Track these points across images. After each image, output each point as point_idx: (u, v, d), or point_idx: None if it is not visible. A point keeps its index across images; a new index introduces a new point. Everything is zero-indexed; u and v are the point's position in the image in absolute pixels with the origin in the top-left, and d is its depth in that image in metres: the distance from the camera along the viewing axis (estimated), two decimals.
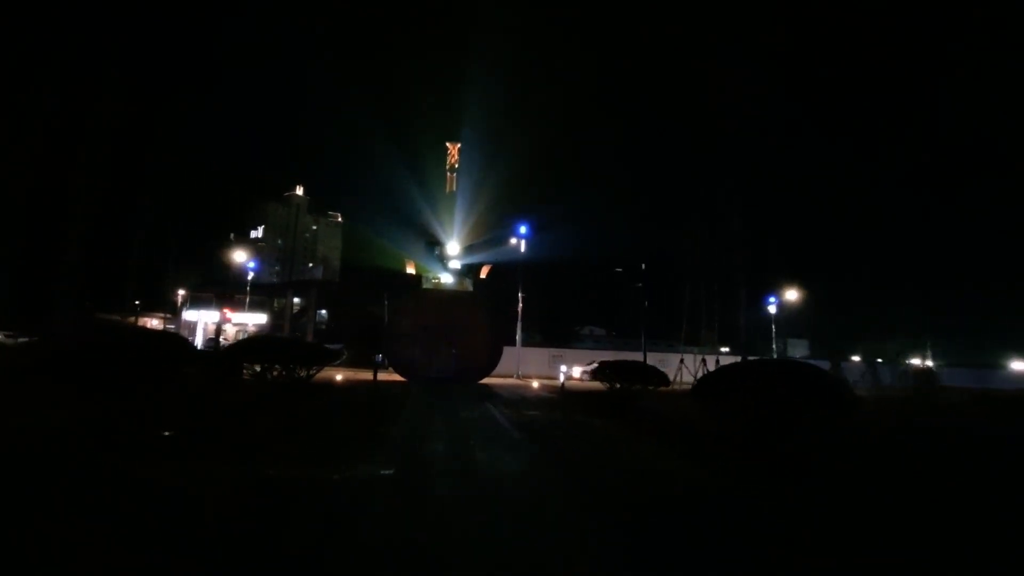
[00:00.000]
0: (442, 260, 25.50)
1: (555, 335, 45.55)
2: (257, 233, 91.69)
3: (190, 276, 54.98)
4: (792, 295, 41.70)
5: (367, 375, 22.22)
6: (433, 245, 25.62)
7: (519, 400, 15.52)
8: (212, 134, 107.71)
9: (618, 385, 14.89)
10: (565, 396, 17.95)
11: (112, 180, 45.40)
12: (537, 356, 33.87)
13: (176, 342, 15.50)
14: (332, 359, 16.68)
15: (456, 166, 26.18)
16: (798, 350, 52.11)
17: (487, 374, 23.13)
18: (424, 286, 24.53)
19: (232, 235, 79.83)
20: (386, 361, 23.43)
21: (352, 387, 17.90)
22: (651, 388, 14.63)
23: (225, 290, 50.19)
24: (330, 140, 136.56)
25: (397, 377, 22.23)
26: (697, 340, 45.87)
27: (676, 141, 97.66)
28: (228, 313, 49.01)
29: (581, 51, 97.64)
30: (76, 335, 11.48)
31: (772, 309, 39.23)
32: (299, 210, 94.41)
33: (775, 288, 40.11)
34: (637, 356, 25.55)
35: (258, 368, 14.16)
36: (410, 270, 24.04)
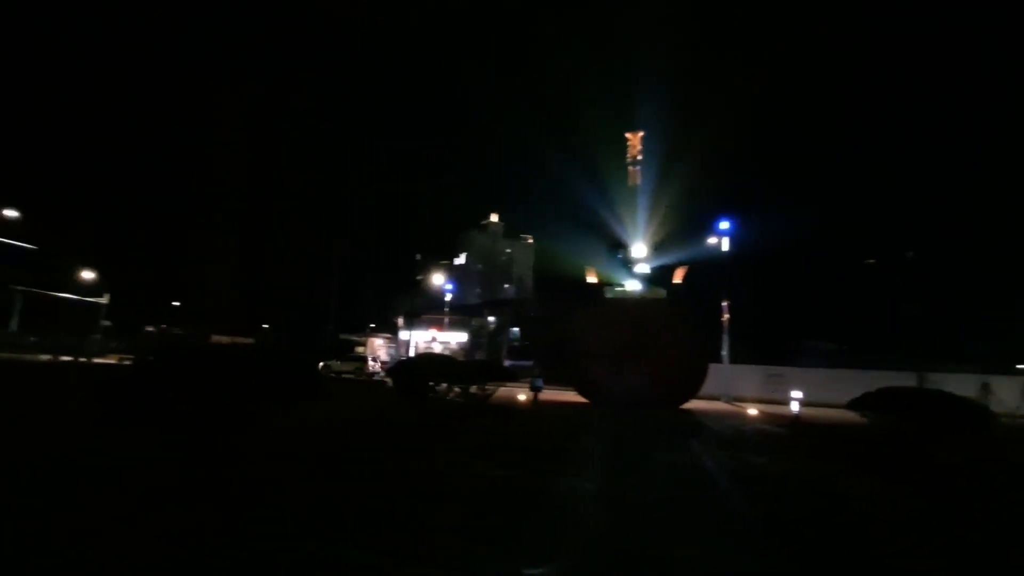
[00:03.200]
0: (627, 264, 22.61)
1: (770, 350, 38.28)
2: (460, 260, 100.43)
3: (408, 302, 62.64)
4: None
5: (557, 395, 20.55)
6: (616, 248, 23.05)
7: (735, 437, 11.84)
8: (433, 178, 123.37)
9: (902, 423, 9.78)
10: (801, 433, 13.45)
11: (359, 236, 55.32)
12: (749, 376, 28.16)
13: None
14: (508, 378, 15.31)
15: (639, 158, 23.26)
16: None
17: (689, 398, 19.36)
18: (607, 295, 21.76)
19: (441, 263, 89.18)
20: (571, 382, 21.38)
21: (527, 411, 16.20)
22: (959, 430, 9.46)
23: (430, 312, 54.88)
24: (517, 162, 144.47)
25: (581, 399, 19.95)
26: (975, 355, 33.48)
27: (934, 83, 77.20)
28: (435, 332, 53.64)
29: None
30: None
31: None
32: (495, 236, 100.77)
33: None
34: (885, 377, 18.71)
35: (443, 385, 13.47)
36: (591, 279, 21.72)
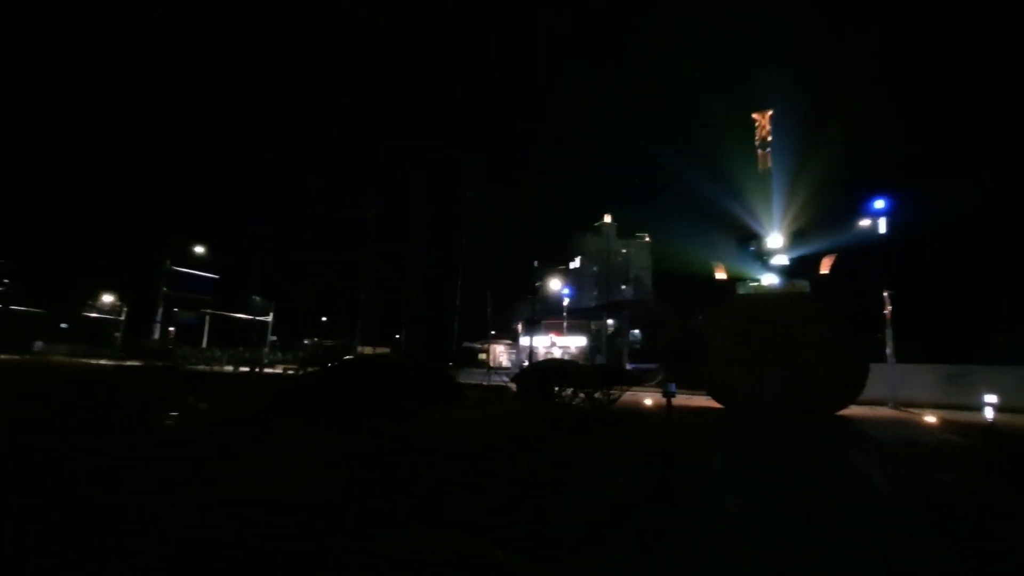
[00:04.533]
0: (761, 257, 20.61)
1: (946, 345, 32.43)
2: (575, 264, 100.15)
3: (526, 308, 63.97)
4: None
5: (688, 400, 19.40)
6: (747, 240, 21.08)
7: (909, 448, 10.17)
8: (546, 183, 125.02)
9: None
10: (998, 445, 11.17)
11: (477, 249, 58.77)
12: (921, 377, 24.06)
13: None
14: (632, 382, 14.79)
15: (769, 139, 21.09)
16: None
17: (845, 404, 17.12)
18: (739, 291, 20.06)
19: (558, 269, 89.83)
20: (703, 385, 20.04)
21: (656, 416, 15.47)
22: None
23: (550, 317, 55.36)
24: (629, 158, 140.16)
25: (716, 405, 18.60)
26: None
27: None
28: (554, 337, 53.99)
29: None
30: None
31: None
32: (609, 237, 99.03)
33: None
34: None
35: (567, 391, 13.49)
36: (720, 275, 20.15)
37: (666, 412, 11.53)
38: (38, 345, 50.35)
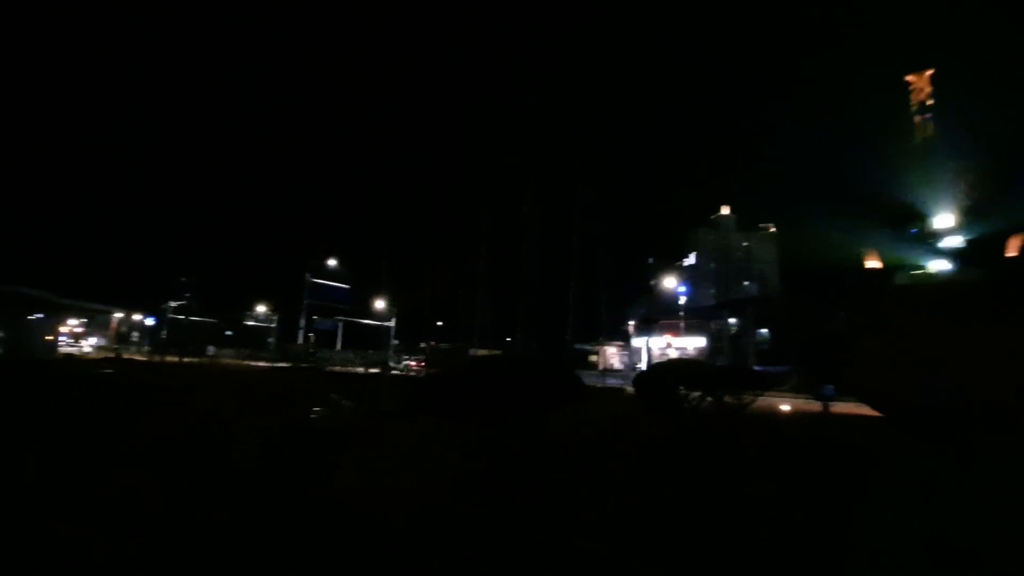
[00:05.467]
0: (924, 240, 17.63)
1: None
2: (690, 260, 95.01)
3: (640, 307, 62.15)
4: None
5: (817, 405, 17.36)
6: (905, 222, 18.08)
7: None
8: (659, 178, 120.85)
9: None
10: None
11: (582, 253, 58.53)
12: None
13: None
14: (765, 385, 13.53)
15: (929, 103, 17.97)
16: None
17: None
18: (898, 281, 17.39)
19: (671, 265, 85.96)
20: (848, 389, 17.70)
21: (796, 423, 13.96)
22: None
23: (663, 317, 53.07)
24: (749, 141, 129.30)
25: (865, 410, 16.29)
26: None
27: None
28: (670, 338, 51.58)
29: None
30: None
31: None
32: (728, 230, 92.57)
33: None
34: None
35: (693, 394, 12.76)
36: (872, 264, 17.62)
37: (821, 416, 10.34)
38: (211, 350, 59.10)
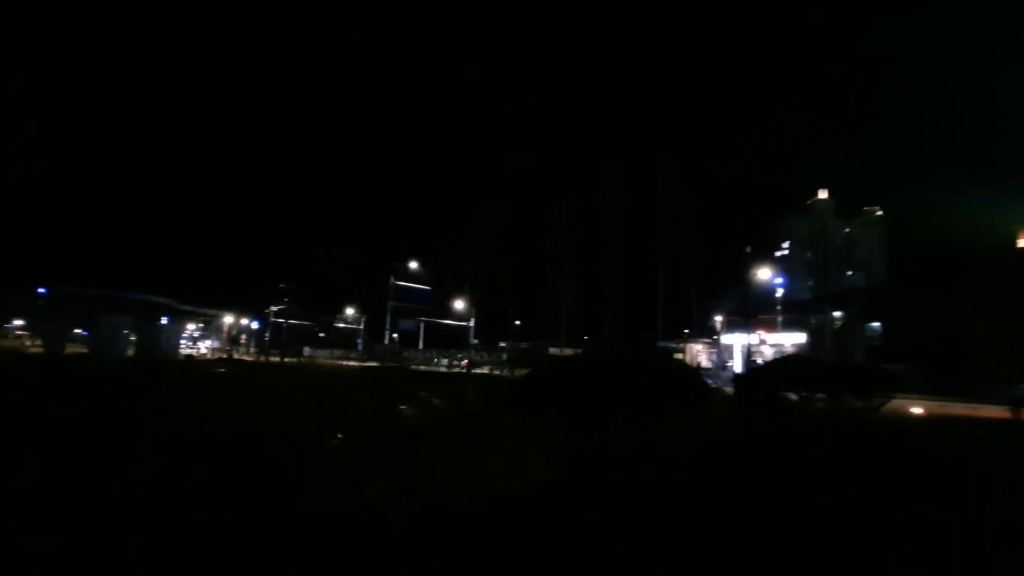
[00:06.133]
0: None
1: None
2: (783, 251, 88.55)
3: (727, 302, 58.58)
4: None
5: (958, 409, 15.09)
6: None
7: None
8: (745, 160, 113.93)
9: None
10: None
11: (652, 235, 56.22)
12: None
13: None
14: (896, 386, 11.88)
15: None
16: None
17: None
18: None
19: (760, 257, 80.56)
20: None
21: (971, 436, 12.08)
22: None
23: (756, 312, 49.65)
24: (851, 116, 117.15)
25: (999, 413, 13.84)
26: None
27: None
28: (763, 334, 48.06)
29: None
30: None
31: None
32: (826, 215, 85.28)
33: None
34: None
35: (795, 395, 11.52)
36: None
37: (1013, 424, 8.83)
38: (307, 350, 63.30)
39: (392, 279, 70.26)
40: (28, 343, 49.55)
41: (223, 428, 8.47)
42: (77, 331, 46.01)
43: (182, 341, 55.36)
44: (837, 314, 45.97)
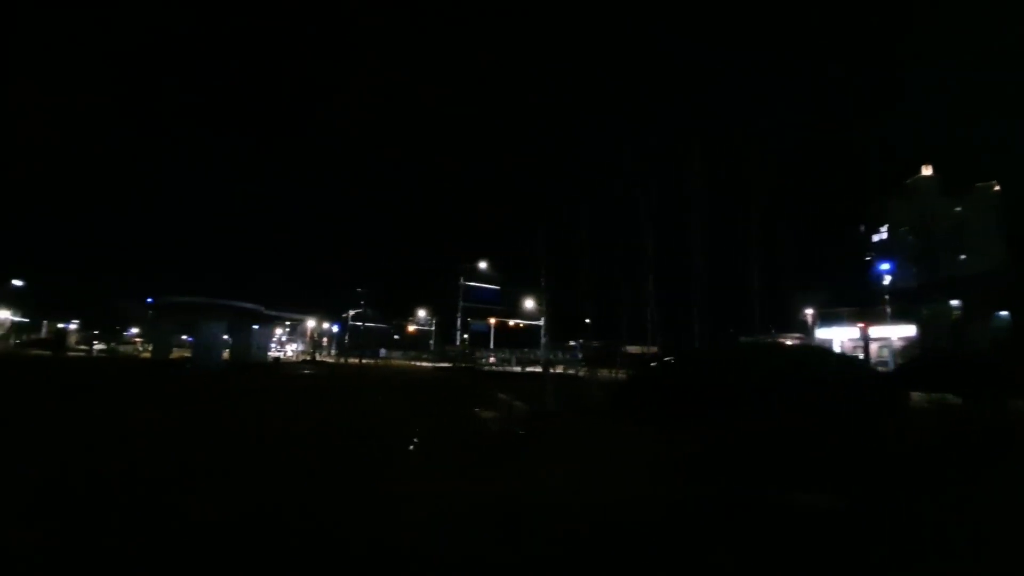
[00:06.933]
0: None
1: None
2: (882, 235, 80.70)
3: (819, 293, 53.57)
4: None
5: None
6: None
7: None
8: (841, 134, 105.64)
9: None
10: None
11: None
12: None
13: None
14: None
15: None
16: None
17: None
18: None
19: (856, 245, 73.86)
20: None
21: None
22: None
23: (857, 304, 45.21)
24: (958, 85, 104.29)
25: None
26: None
27: None
28: (861, 327, 43.56)
29: None
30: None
31: None
32: (930, 194, 76.64)
33: None
34: None
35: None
36: None
37: None
38: (382, 352, 65.28)
39: (462, 279, 70.98)
40: (141, 349, 54.74)
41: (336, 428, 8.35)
42: (184, 337, 49.99)
43: (271, 345, 58.81)
44: (955, 303, 40.66)
